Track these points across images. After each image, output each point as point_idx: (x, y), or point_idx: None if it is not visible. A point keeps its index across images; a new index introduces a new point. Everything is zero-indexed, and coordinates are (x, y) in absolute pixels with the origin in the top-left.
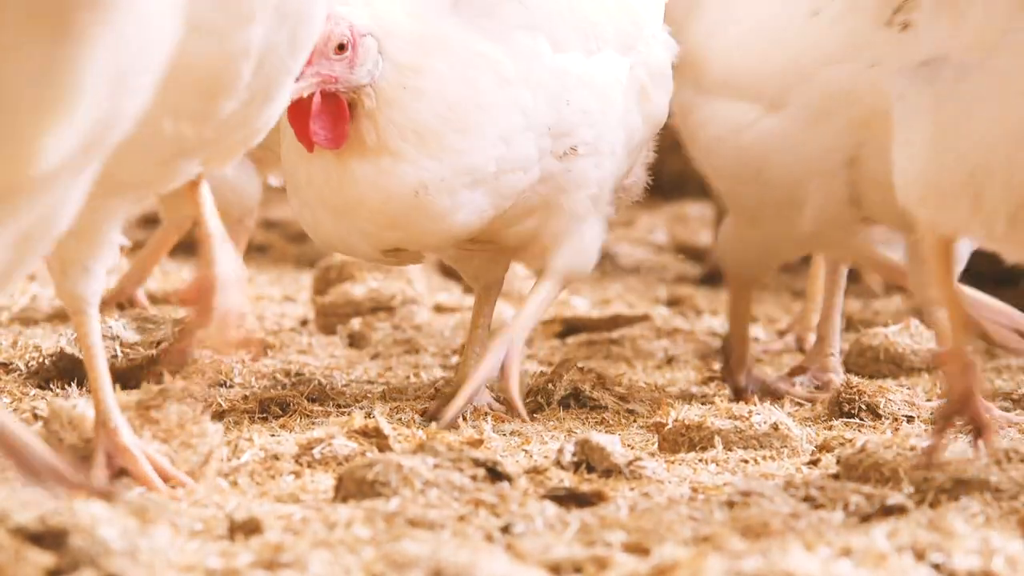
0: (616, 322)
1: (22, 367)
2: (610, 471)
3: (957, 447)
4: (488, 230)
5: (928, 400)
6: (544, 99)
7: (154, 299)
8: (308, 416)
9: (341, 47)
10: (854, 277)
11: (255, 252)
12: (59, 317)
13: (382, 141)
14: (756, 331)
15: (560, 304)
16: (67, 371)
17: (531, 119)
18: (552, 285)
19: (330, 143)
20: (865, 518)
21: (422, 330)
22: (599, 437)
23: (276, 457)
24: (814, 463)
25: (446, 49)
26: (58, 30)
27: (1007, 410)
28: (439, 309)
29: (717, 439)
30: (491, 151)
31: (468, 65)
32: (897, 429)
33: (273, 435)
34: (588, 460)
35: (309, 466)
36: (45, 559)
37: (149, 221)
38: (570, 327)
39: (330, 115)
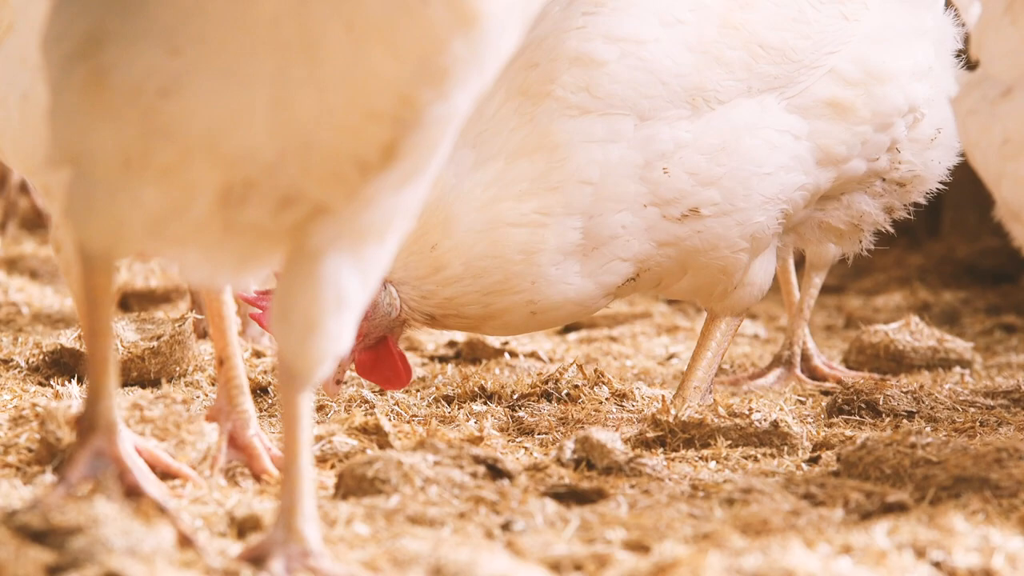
0: (616, 319)
1: (22, 363)
2: (611, 468)
3: (957, 443)
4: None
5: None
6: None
7: (154, 296)
8: None
9: None
10: (856, 275)
11: None
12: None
13: (445, 324)
14: (757, 328)
15: None
16: (67, 367)
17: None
18: (724, 326)
19: (400, 381)
20: (865, 516)
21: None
22: (600, 434)
23: (276, 460)
24: (814, 461)
25: (460, 220)
26: None
27: (1006, 408)
28: None
29: (719, 436)
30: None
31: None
32: (897, 426)
33: (273, 432)
34: (589, 457)
35: None
36: (46, 557)
37: None
38: (571, 324)
39: (383, 361)
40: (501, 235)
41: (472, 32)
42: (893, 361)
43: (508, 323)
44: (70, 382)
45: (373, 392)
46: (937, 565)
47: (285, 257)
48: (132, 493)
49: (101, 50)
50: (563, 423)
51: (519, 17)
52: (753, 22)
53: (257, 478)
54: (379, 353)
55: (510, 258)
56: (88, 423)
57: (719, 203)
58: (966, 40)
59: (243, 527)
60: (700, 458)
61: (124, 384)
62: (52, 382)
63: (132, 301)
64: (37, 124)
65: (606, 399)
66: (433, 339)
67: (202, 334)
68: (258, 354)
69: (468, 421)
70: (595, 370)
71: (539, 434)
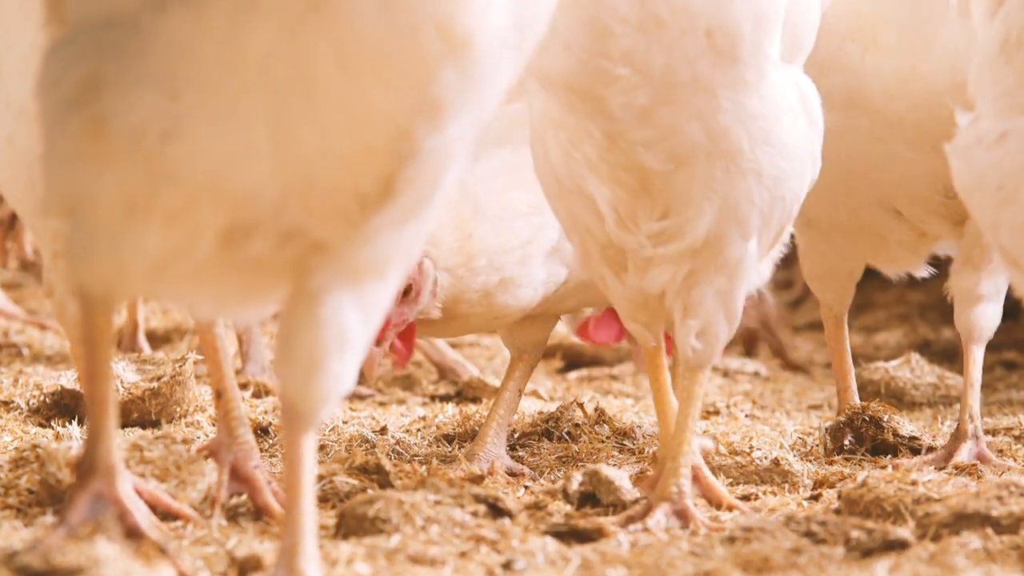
0: (618, 357)
1: (23, 405)
2: (615, 505)
3: (958, 481)
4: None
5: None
6: None
7: (154, 336)
8: None
9: (406, 291)
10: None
11: None
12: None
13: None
14: (758, 366)
15: (562, 339)
16: (68, 408)
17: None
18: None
19: (405, 360)
20: (867, 553)
21: (422, 366)
22: (608, 470)
23: (276, 494)
24: (815, 498)
25: (485, 215)
26: None
27: (1008, 444)
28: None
29: (719, 474)
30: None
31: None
32: (898, 463)
33: (274, 471)
34: (596, 491)
35: None
36: None
37: None
38: (572, 362)
39: (404, 343)
40: (509, 226)
41: (464, 59)
42: (894, 398)
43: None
44: (71, 423)
45: (374, 432)
46: None
47: (287, 297)
48: (132, 534)
49: (99, 97)
50: (563, 462)
51: (516, 44)
52: None
53: (259, 511)
54: (406, 338)
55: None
56: (88, 466)
57: None
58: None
59: (244, 567)
60: (700, 496)
61: (125, 425)
62: (53, 423)
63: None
64: (21, 167)
65: (607, 437)
66: (433, 378)
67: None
68: (258, 395)
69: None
70: (596, 408)
71: (540, 472)
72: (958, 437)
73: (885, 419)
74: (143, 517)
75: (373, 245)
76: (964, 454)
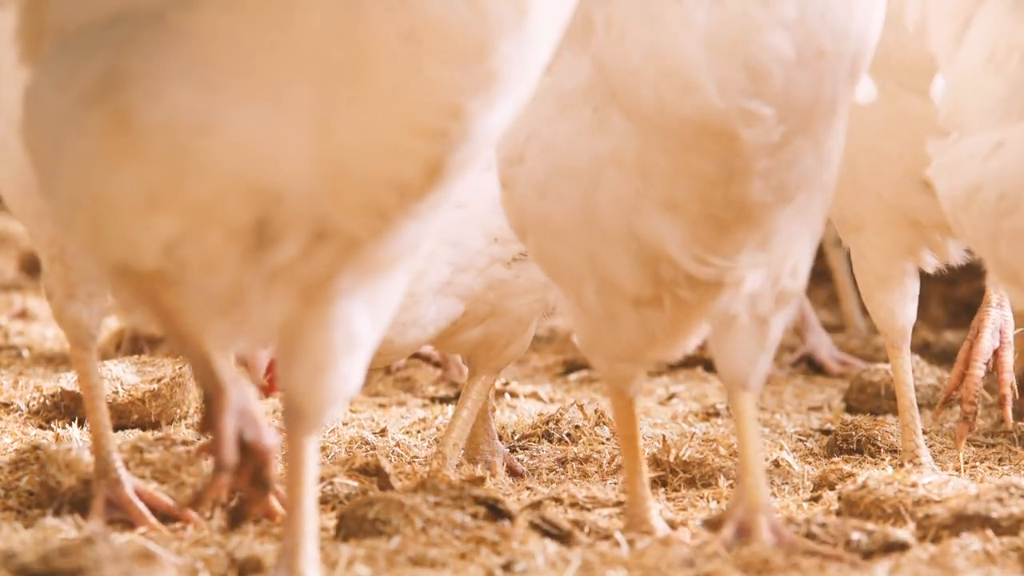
0: None
1: (23, 407)
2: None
3: (958, 483)
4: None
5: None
6: None
7: (155, 338)
8: None
9: None
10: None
11: None
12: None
13: None
14: None
15: (562, 342)
16: (68, 410)
17: None
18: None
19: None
20: (867, 555)
21: (422, 368)
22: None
23: (276, 493)
24: (815, 500)
25: None
26: None
27: (1007, 446)
28: None
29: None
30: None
31: None
32: (901, 465)
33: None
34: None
35: None
36: None
37: None
38: (572, 364)
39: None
40: None
41: (523, 30)
42: (894, 400)
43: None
44: (71, 425)
45: (374, 434)
46: None
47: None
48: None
49: (119, 92)
50: (563, 464)
51: (555, 24)
52: None
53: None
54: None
55: None
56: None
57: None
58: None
59: (244, 569)
60: (701, 497)
61: (125, 427)
62: (53, 425)
63: (142, 343)
64: (15, 170)
65: (607, 439)
66: (432, 380)
67: None
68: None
69: (469, 462)
70: (596, 410)
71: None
72: None
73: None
74: (143, 518)
75: (395, 239)
76: None
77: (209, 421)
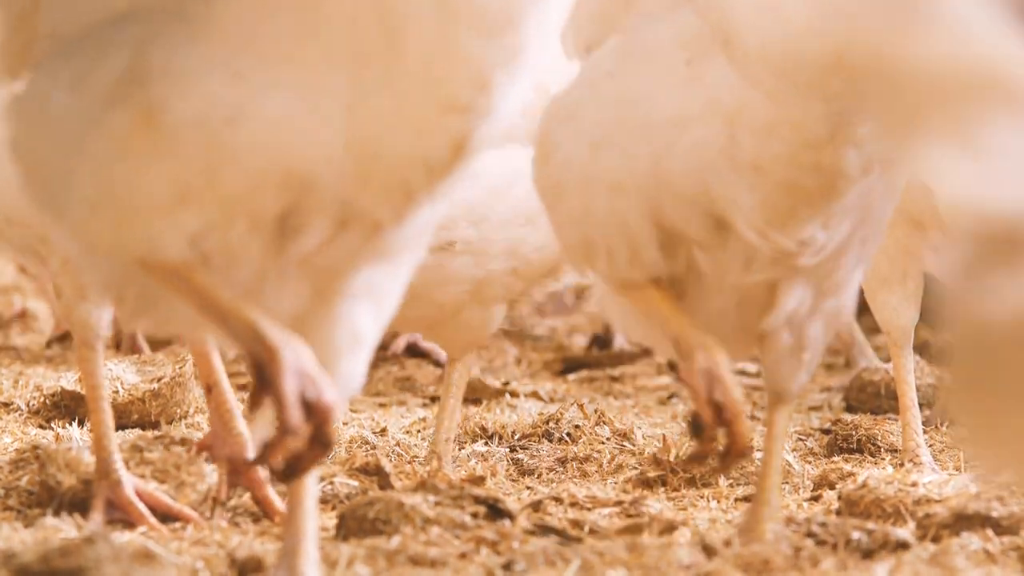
0: (618, 359)
1: (23, 406)
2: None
3: (958, 482)
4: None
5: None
6: None
7: (155, 337)
8: None
9: None
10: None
11: None
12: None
13: None
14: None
15: (561, 341)
16: (68, 410)
17: None
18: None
19: None
20: (867, 554)
21: (421, 367)
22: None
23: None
24: (816, 499)
25: None
26: None
27: None
28: None
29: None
30: None
31: None
32: (901, 464)
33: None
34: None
35: None
36: None
37: None
38: (571, 364)
39: None
40: None
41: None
42: (893, 399)
43: None
44: (71, 425)
45: (374, 433)
46: None
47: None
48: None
49: (144, 89)
50: (563, 463)
51: None
52: None
53: (259, 504)
54: None
55: None
56: None
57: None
58: None
59: (244, 568)
60: (701, 497)
61: (125, 426)
62: (53, 425)
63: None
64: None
65: (607, 439)
66: (433, 380)
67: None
68: None
69: (469, 461)
70: (596, 410)
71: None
72: None
73: (878, 437)
74: (144, 518)
75: (410, 225)
76: None
77: (264, 387)
